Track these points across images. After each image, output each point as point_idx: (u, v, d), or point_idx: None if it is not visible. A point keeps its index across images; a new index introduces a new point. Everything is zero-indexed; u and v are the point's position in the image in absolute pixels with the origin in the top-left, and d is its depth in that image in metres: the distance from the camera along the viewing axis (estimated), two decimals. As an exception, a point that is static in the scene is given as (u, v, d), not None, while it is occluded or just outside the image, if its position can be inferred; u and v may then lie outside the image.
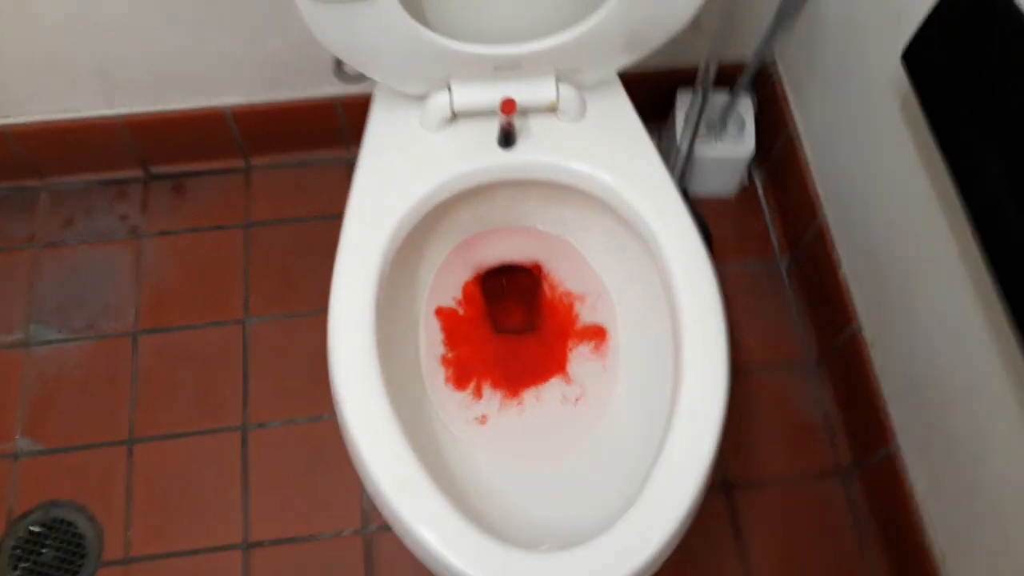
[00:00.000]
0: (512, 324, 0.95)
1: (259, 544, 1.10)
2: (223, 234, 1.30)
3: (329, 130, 1.27)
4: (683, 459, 0.71)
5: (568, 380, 0.88)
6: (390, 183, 0.83)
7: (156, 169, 1.32)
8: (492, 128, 0.85)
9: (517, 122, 0.85)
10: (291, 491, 1.13)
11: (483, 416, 0.86)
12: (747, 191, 1.31)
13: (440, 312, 0.91)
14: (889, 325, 0.99)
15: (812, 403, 1.17)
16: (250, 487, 1.12)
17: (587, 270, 0.92)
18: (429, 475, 0.70)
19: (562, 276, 0.93)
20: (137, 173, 1.33)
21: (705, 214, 1.29)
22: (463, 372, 0.87)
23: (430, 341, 0.89)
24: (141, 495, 1.12)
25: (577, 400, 0.87)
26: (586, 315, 0.91)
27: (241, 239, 1.29)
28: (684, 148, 1.18)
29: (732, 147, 1.20)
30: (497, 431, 0.85)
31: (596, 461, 0.82)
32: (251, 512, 1.11)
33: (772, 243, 1.28)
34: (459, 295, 0.92)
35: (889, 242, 0.96)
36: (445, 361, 0.88)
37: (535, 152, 0.85)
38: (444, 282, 0.92)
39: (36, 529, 1.09)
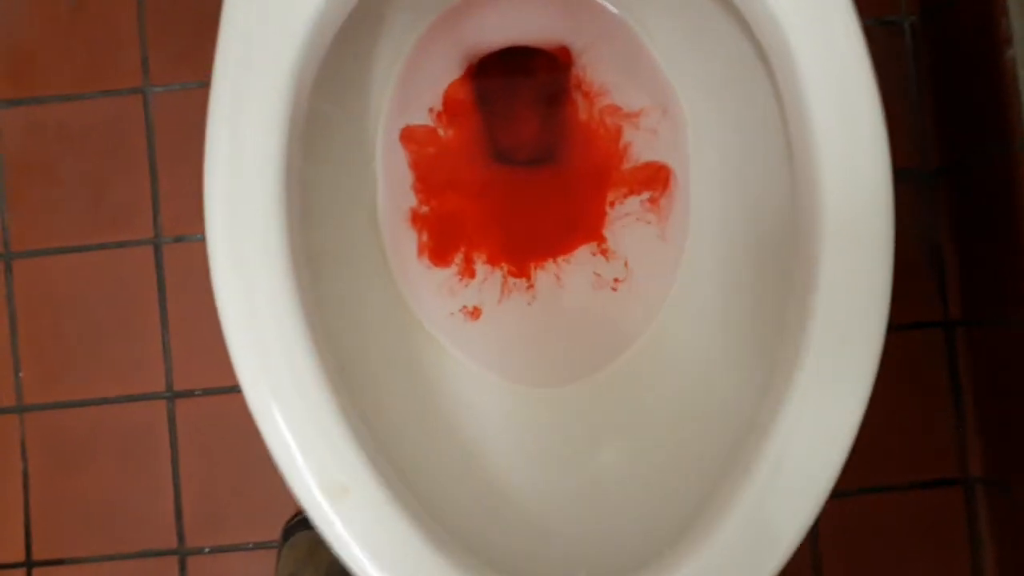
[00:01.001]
0: (521, 144, 0.61)
1: (188, 394, 0.85)
2: (103, -48, 0.89)
3: None
4: (812, 425, 0.42)
5: (605, 251, 0.57)
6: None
7: None
8: None
9: None
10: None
11: (474, 308, 0.56)
12: None
13: (409, 135, 0.57)
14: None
15: (920, 225, 0.86)
16: (169, 322, 0.86)
17: (648, 70, 0.57)
18: (379, 473, 0.42)
19: (606, 78, 0.58)
20: None
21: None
22: (445, 237, 0.57)
23: (393, 186, 0.56)
24: (28, 329, 0.86)
25: (617, 284, 0.57)
26: (640, 147, 0.57)
27: (131, -42, 0.89)
28: None
29: None
30: (496, 331, 0.56)
31: (644, 391, 0.54)
32: (173, 353, 0.86)
33: (896, -13, 0.88)
34: (438, 104, 0.58)
35: None
36: (417, 219, 0.56)
37: None
38: (414, 84, 0.57)
39: None
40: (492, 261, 0.59)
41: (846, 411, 0.44)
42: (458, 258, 0.58)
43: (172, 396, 0.86)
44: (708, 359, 0.55)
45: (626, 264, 0.59)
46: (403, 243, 0.58)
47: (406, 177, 0.58)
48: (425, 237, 0.58)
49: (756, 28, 0.47)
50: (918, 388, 0.84)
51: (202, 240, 0.85)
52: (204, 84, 0.88)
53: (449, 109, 0.59)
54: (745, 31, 0.49)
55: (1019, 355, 0.77)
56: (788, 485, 0.44)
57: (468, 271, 0.59)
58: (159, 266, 0.87)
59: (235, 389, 0.84)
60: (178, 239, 0.87)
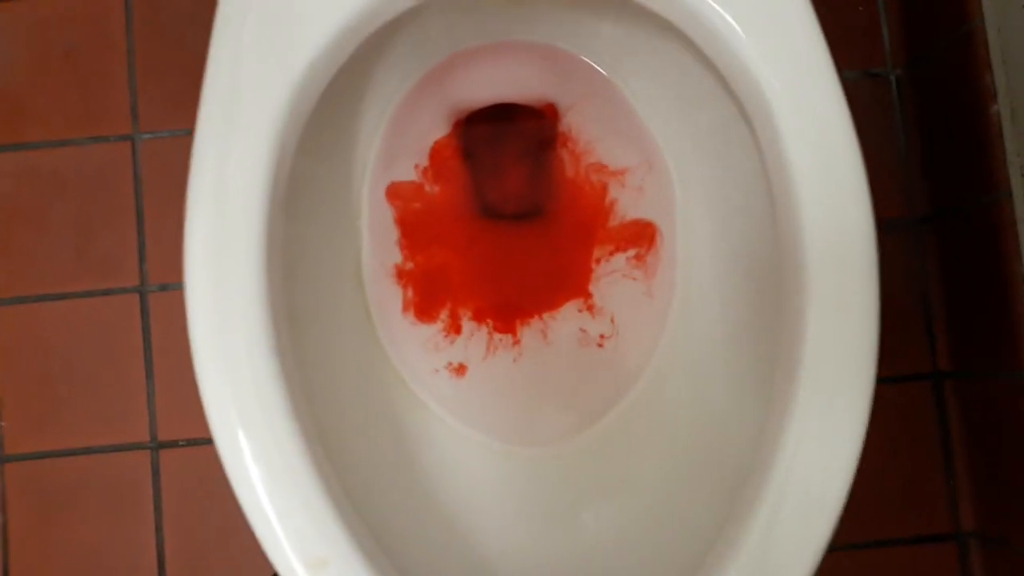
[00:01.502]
0: (507, 199, 0.61)
1: (172, 444, 0.84)
2: (93, 1, 0.90)
3: None
4: (805, 483, 0.42)
5: (591, 307, 0.57)
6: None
7: None
8: None
9: None
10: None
11: (460, 365, 0.55)
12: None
13: (395, 191, 0.56)
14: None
15: (907, 275, 0.86)
16: (155, 369, 0.85)
17: (634, 128, 0.57)
18: (358, 543, 0.41)
19: (592, 135, 0.58)
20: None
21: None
22: (430, 292, 0.56)
23: (378, 242, 0.56)
24: (14, 374, 0.84)
25: (604, 340, 0.56)
26: (626, 204, 0.57)
27: (121, 7, 0.90)
28: None
29: None
30: (481, 389, 0.55)
31: (634, 449, 0.53)
32: (158, 402, 0.84)
33: (882, 41, 0.89)
34: (424, 160, 0.58)
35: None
36: (402, 275, 0.56)
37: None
38: (401, 140, 0.57)
39: None
40: (478, 317, 0.58)
41: (838, 465, 0.44)
42: (444, 314, 0.58)
43: (156, 446, 0.84)
44: (698, 416, 0.54)
45: (612, 320, 0.59)
46: (388, 299, 0.57)
47: (391, 233, 0.58)
48: (410, 293, 0.58)
49: (737, 88, 0.48)
50: (908, 441, 0.83)
51: (188, 288, 0.84)
52: (192, 132, 0.88)
53: (435, 164, 0.59)
54: (727, 90, 0.50)
55: (1009, 407, 0.76)
56: (783, 543, 0.43)
57: (454, 327, 0.58)
58: (144, 314, 0.86)
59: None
60: (163, 287, 0.86)
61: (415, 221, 0.58)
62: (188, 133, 0.88)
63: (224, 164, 0.45)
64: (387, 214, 0.58)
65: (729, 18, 0.45)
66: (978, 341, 0.81)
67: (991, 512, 0.81)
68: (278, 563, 0.41)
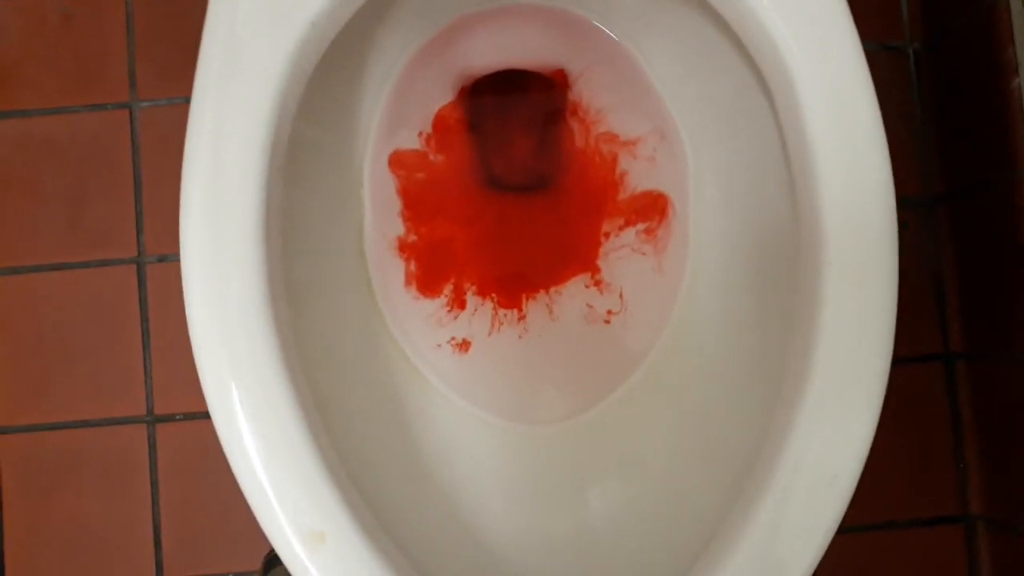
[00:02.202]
0: (514, 169, 0.59)
1: (169, 418, 0.83)
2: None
3: None
4: (816, 462, 0.41)
5: (599, 282, 0.55)
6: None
7: None
8: None
9: None
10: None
11: (463, 340, 0.54)
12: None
13: (398, 160, 0.54)
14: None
15: (921, 254, 0.85)
16: (151, 343, 0.83)
17: (647, 96, 0.55)
18: (357, 518, 0.40)
19: (603, 104, 0.56)
20: None
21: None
22: (434, 266, 0.54)
23: (380, 213, 0.54)
24: (7, 346, 0.83)
25: (611, 316, 0.54)
26: (637, 175, 0.55)
27: (120, -30, 0.88)
28: None
29: None
30: (485, 366, 0.53)
31: (640, 428, 0.51)
32: (154, 375, 0.83)
33: (901, 13, 0.87)
34: (429, 127, 0.56)
35: None
36: (405, 248, 0.54)
37: None
38: (404, 107, 0.55)
39: None
40: (483, 292, 0.56)
41: (850, 447, 0.43)
42: (447, 288, 0.56)
43: (153, 420, 0.83)
44: (706, 394, 0.53)
45: (621, 296, 0.57)
46: (390, 272, 0.56)
47: (394, 204, 0.56)
48: (413, 266, 0.56)
49: (756, 54, 0.46)
50: (918, 423, 0.82)
51: (187, 259, 0.83)
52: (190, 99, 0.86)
53: (440, 133, 0.57)
54: (745, 57, 0.48)
55: (1019, 390, 0.75)
56: (793, 524, 0.42)
57: (458, 302, 0.56)
58: (142, 286, 0.84)
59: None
60: (161, 259, 0.84)
61: (418, 192, 0.56)
62: (188, 101, 0.85)
63: (221, 125, 0.43)
64: (389, 184, 0.56)
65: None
66: (991, 322, 0.80)
67: (999, 495, 0.80)
68: (274, 538, 0.40)
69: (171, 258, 0.84)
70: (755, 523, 0.42)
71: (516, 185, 0.59)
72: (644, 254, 0.57)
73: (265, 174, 0.43)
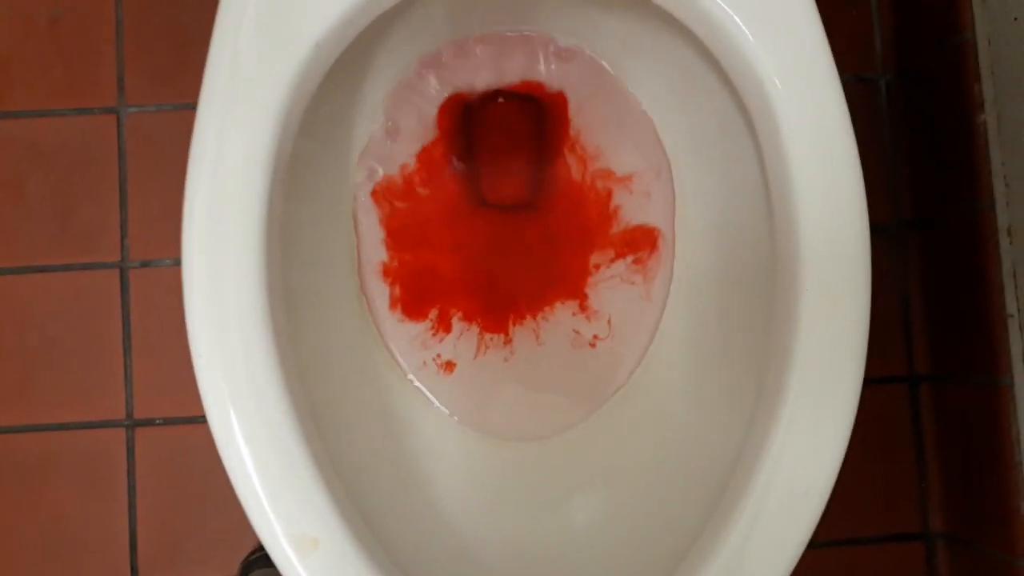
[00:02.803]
0: (506, 192, 0.60)
1: (148, 423, 0.83)
2: (83, -31, 0.88)
3: None
4: (787, 481, 0.43)
5: (586, 309, 0.57)
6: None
7: None
8: None
9: None
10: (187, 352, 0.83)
11: (447, 362, 0.55)
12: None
13: (380, 191, 0.56)
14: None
15: (889, 278, 0.87)
16: (132, 348, 0.83)
17: (643, 131, 0.57)
18: (348, 524, 0.41)
19: (600, 141, 0.57)
20: None
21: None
22: (419, 291, 0.55)
23: (365, 238, 0.55)
24: (-15, 349, 0.83)
25: (597, 341, 0.56)
26: (630, 210, 0.57)
27: (111, -23, 0.88)
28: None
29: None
30: (470, 385, 0.55)
31: (623, 445, 0.53)
32: (135, 379, 0.83)
33: (874, 46, 0.90)
34: (415, 155, 0.57)
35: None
36: (388, 272, 0.56)
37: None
38: (396, 128, 0.56)
39: None
40: (468, 317, 0.57)
41: (822, 464, 0.45)
42: (433, 313, 0.57)
43: (132, 424, 0.83)
44: (686, 415, 0.55)
45: (609, 323, 0.58)
46: (376, 294, 0.57)
47: (377, 232, 0.57)
48: (397, 290, 0.57)
49: (740, 87, 0.48)
50: (882, 442, 0.85)
51: (169, 266, 0.84)
52: (180, 107, 0.87)
53: (429, 157, 0.58)
54: (731, 92, 0.50)
55: (982, 411, 0.78)
56: (766, 538, 0.44)
57: (443, 326, 0.58)
58: (124, 290, 0.85)
59: (196, 419, 0.83)
60: (145, 264, 0.85)
61: (402, 222, 0.57)
62: (176, 108, 0.87)
63: (225, 140, 0.44)
64: (373, 212, 0.58)
65: (737, 19, 0.45)
66: (955, 346, 0.83)
67: (959, 514, 0.83)
68: (268, 543, 0.41)
69: (154, 263, 0.85)
70: (728, 537, 0.44)
71: (507, 204, 0.60)
72: (633, 283, 0.58)
73: (268, 185, 0.44)
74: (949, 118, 0.80)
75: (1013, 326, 0.73)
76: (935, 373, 0.85)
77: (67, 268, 0.84)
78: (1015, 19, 0.71)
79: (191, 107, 0.84)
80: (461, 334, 0.58)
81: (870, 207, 0.86)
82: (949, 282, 0.83)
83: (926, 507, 0.84)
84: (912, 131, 0.88)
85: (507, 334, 0.57)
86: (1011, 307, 0.72)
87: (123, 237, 0.85)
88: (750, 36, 0.46)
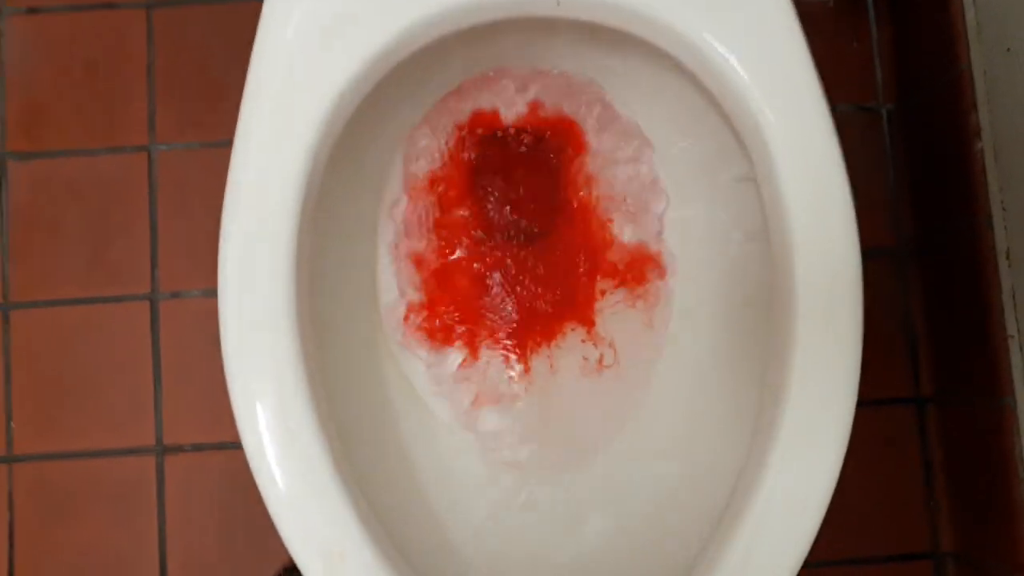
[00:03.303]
0: (517, 222, 0.63)
1: (178, 449, 0.86)
2: (116, 16, 0.92)
3: None
4: (782, 504, 0.45)
5: (593, 335, 0.60)
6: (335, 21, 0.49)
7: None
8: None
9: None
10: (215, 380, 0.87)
11: (469, 390, 0.58)
12: (852, -2, 0.94)
13: (404, 224, 0.59)
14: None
15: (893, 302, 0.89)
16: (162, 376, 0.87)
17: (644, 158, 0.60)
18: (374, 539, 0.44)
19: (603, 166, 0.60)
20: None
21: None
22: (439, 324, 0.58)
23: (384, 270, 0.58)
24: (22, 379, 0.86)
25: (604, 368, 0.59)
26: (631, 235, 0.60)
27: (143, 23, 0.92)
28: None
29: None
30: (492, 418, 0.58)
31: (633, 470, 0.56)
32: (164, 407, 0.86)
33: (875, 78, 0.93)
34: (437, 181, 0.60)
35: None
36: (409, 305, 0.58)
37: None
38: (413, 161, 0.60)
39: None
40: (489, 346, 0.60)
41: (820, 479, 0.47)
42: (457, 343, 0.60)
43: (162, 451, 0.86)
44: (690, 440, 0.57)
45: (613, 349, 0.61)
46: (396, 324, 0.60)
47: (395, 265, 0.60)
48: (419, 320, 0.60)
49: (737, 125, 0.51)
50: (890, 463, 0.86)
51: (197, 296, 0.87)
52: (207, 144, 0.91)
53: (447, 188, 0.62)
54: (727, 123, 0.53)
55: (988, 432, 0.79)
56: (766, 551, 0.46)
57: (465, 355, 0.60)
58: (154, 321, 0.88)
59: (224, 446, 0.86)
60: (174, 295, 0.88)
61: (421, 254, 0.60)
62: (203, 146, 0.91)
63: (261, 177, 0.48)
64: (394, 242, 0.61)
65: (735, 62, 0.48)
66: (959, 367, 0.84)
67: (968, 532, 0.84)
68: (297, 555, 0.44)
69: (183, 294, 0.88)
70: (727, 559, 0.46)
71: (518, 238, 0.63)
72: (635, 308, 0.61)
73: (299, 217, 0.48)
74: (948, 146, 0.83)
75: (1014, 347, 0.74)
76: (940, 394, 0.87)
77: (100, 300, 0.88)
78: (1008, 50, 0.73)
79: (217, 145, 0.89)
80: (484, 362, 0.60)
81: (872, 231, 0.89)
82: (951, 305, 0.85)
83: (935, 526, 0.85)
84: (912, 158, 0.90)
85: (526, 363, 0.60)
86: (1011, 328, 0.74)
87: (153, 268, 0.88)
88: (745, 76, 0.49)
